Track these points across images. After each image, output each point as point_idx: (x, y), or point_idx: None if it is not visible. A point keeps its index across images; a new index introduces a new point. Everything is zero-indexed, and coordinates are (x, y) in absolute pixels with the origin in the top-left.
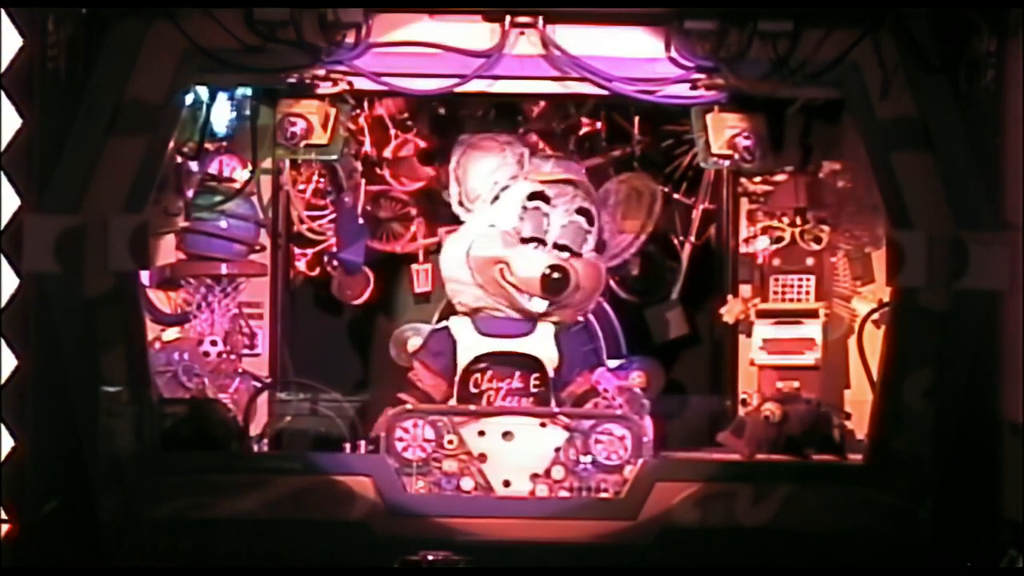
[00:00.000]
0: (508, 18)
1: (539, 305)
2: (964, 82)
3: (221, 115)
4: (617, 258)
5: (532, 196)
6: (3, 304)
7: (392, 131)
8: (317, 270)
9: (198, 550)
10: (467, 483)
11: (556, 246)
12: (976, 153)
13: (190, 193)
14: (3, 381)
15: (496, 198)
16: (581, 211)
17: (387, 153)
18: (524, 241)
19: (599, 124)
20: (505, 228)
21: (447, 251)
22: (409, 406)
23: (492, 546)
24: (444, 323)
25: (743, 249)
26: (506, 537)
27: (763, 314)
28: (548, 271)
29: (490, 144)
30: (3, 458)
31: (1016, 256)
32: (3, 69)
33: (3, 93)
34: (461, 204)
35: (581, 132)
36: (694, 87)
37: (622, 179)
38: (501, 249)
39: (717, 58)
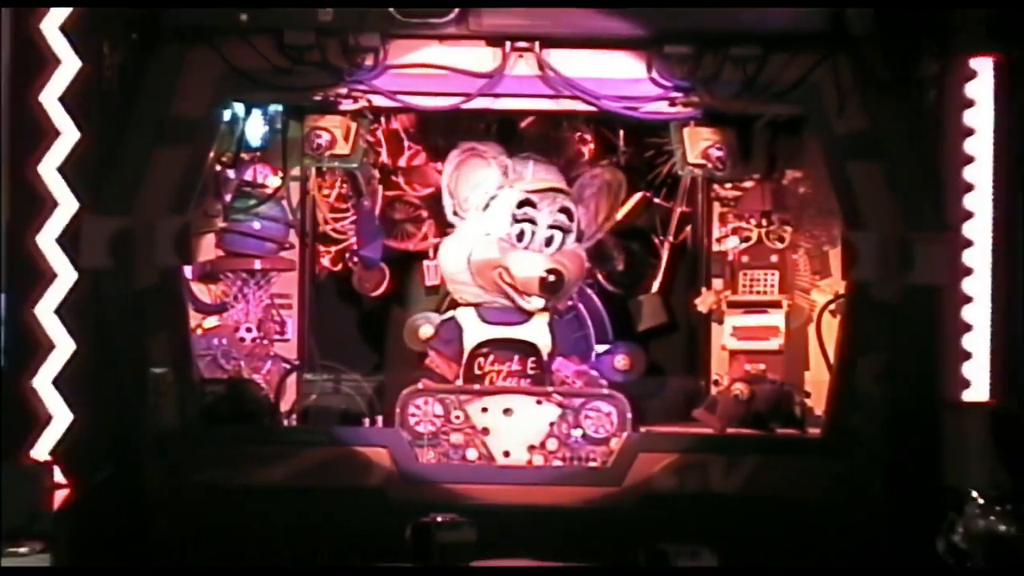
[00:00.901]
0: (508, 43)
1: (536, 303)
2: (911, 100)
3: (255, 129)
4: (591, 239)
5: (521, 204)
6: (63, 296)
7: (406, 143)
8: (339, 266)
9: (233, 515)
10: (472, 453)
11: (546, 241)
12: (921, 163)
13: (227, 197)
14: (63, 364)
15: (487, 206)
16: (563, 210)
17: (401, 162)
18: (519, 246)
19: (588, 137)
20: (500, 235)
21: (446, 254)
22: (421, 385)
23: (493, 509)
24: (452, 313)
25: (715, 247)
26: (506, 501)
27: (733, 305)
28: (545, 275)
29: (478, 158)
30: (63, 432)
31: (955, 254)
32: (64, 89)
33: (64, 109)
34: (456, 213)
35: (572, 144)
36: (672, 104)
37: (594, 173)
38: (498, 254)
39: (693, 79)
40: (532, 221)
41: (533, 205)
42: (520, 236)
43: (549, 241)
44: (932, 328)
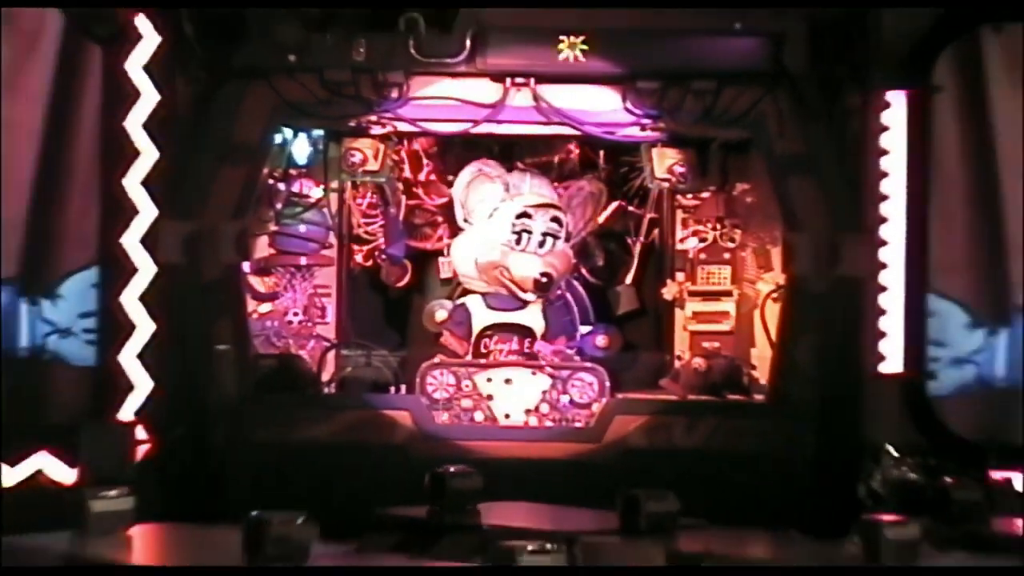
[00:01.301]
0: (508, 79)
1: (530, 297)
2: (838, 126)
3: (301, 149)
4: (575, 238)
5: (519, 215)
6: (144, 286)
7: (424, 161)
8: (370, 262)
9: (282, 466)
10: (479, 415)
11: (539, 244)
12: (847, 178)
13: (278, 206)
14: (145, 342)
15: (491, 215)
16: (554, 219)
17: (421, 177)
18: (516, 249)
19: (575, 156)
20: (501, 240)
21: (457, 254)
22: (437, 360)
23: (496, 461)
24: (462, 300)
25: (678, 247)
26: (506, 455)
27: (692, 294)
28: (539, 276)
29: (484, 176)
30: (145, 397)
31: (874, 252)
32: (145, 117)
33: (146, 134)
34: (465, 220)
35: (561, 161)
36: (643, 129)
37: (580, 185)
38: (500, 257)
39: (659, 109)
40: (528, 230)
41: (529, 216)
42: (518, 240)
43: (542, 244)
44: (855, 312)
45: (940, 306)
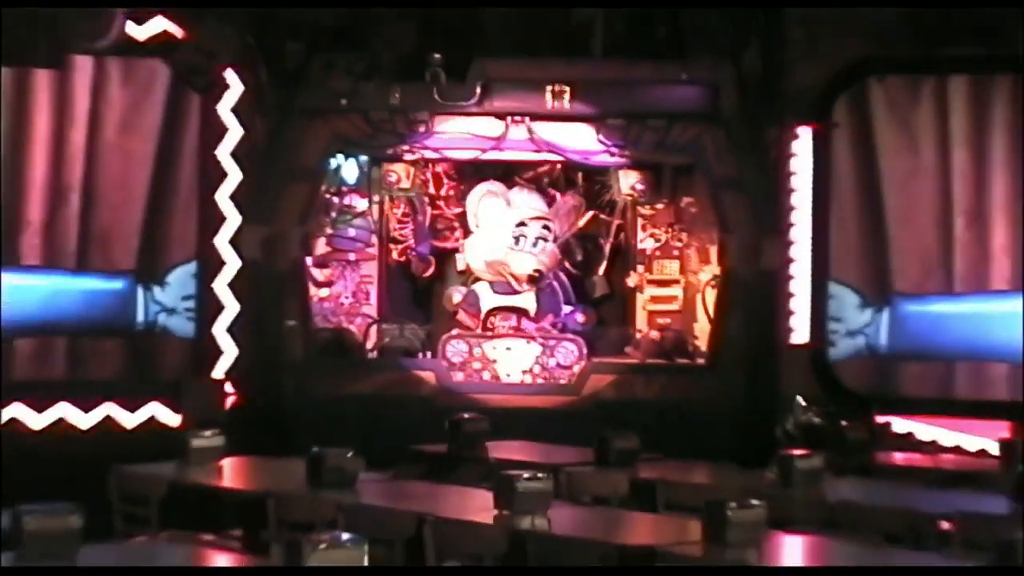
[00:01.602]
0: (509, 117)
1: (525, 287)
2: (760, 153)
3: (350, 171)
4: (560, 240)
5: (518, 224)
6: (232, 276)
7: (444, 180)
8: (403, 257)
9: (336, 413)
10: (486, 375)
11: (533, 244)
12: (766, 193)
13: (333, 214)
14: (232, 318)
15: (496, 224)
16: (545, 227)
17: (442, 192)
18: (515, 249)
19: (558, 176)
20: (504, 243)
21: (469, 252)
22: (455, 332)
23: (499, 410)
24: (474, 287)
25: (639, 246)
26: (507, 405)
27: (649, 282)
28: (533, 272)
29: (491, 193)
30: (232, 360)
31: (786, 249)
32: (232, 147)
33: (232, 160)
34: (476, 226)
35: (549, 181)
36: (612, 156)
37: (564, 199)
38: (502, 256)
39: (624, 141)
40: (524, 235)
41: (525, 224)
42: (516, 242)
43: (535, 245)
44: (772, 296)
45: (837, 290)
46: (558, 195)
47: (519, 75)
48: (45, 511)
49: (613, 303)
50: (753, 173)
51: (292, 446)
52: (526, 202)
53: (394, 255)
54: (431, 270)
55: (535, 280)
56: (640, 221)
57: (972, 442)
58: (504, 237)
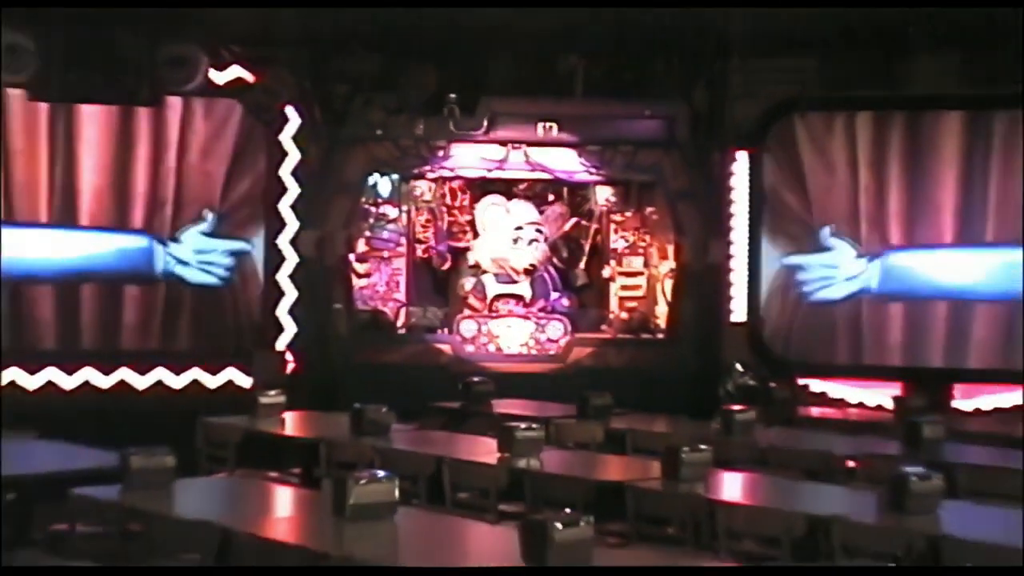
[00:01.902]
0: (510, 144)
1: (522, 278)
2: (707, 172)
3: (384, 186)
4: (550, 241)
5: (516, 228)
6: (291, 269)
7: (459, 193)
8: (426, 254)
9: (374, 376)
10: (491, 348)
11: (528, 243)
12: (713, 204)
13: (370, 220)
14: (292, 302)
15: (498, 228)
16: (538, 231)
17: (456, 203)
18: (514, 248)
19: (550, 191)
20: (506, 243)
21: (477, 251)
22: (466, 313)
23: (503, 374)
24: (482, 277)
25: (612, 246)
26: (509, 371)
27: (620, 274)
28: (528, 266)
29: (495, 204)
30: (291, 336)
31: (727, 248)
32: (292, 168)
33: (293, 178)
34: (484, 229)
35: (541, 193)
36: (590, 174)
37: (553, 208)
38: (504, 253)
39: (600, 162)
40: (521, 237)
41: (522, 228)
42: (515, 242)
43: (530, 244)
44: (718, 285)
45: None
46: (548, 205)
47: (518, 110)
48: (146, 452)
49: (592, 290)
50: (702, 188)
51: (339, 403)
52: (523, 211)
53: (419, 253)
54: (448, 264)
55: (530, 272)
56: (613, 226)
57: (872, 398)
58: (505, 238)
